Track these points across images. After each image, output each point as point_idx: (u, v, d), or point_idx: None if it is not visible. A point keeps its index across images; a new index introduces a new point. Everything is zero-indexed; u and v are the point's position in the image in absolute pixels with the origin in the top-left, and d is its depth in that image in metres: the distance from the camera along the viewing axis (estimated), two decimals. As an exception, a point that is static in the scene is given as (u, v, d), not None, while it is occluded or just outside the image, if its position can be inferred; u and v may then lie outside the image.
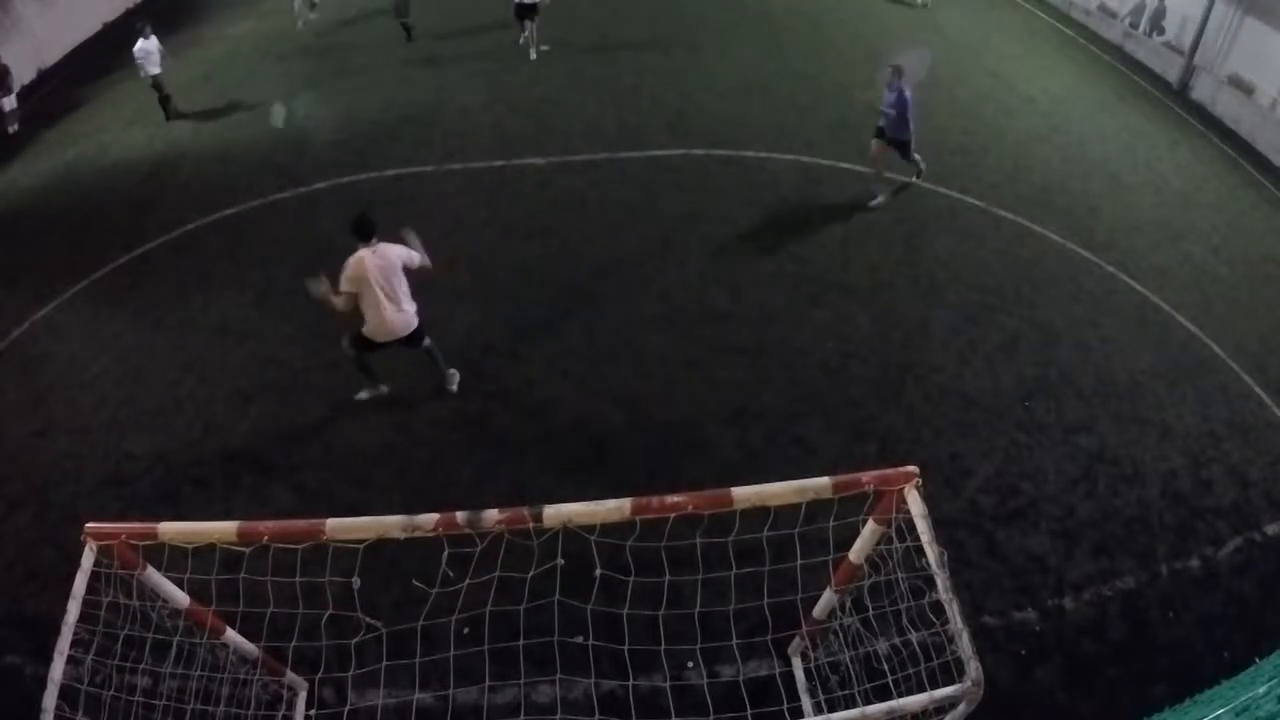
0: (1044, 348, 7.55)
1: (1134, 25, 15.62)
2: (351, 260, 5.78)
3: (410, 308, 6.11)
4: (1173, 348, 7.75)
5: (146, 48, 11.27)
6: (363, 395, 6.71)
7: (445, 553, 2.99)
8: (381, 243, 5.88)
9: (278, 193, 9.71)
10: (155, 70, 11.37)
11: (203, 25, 15.54)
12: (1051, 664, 5.03)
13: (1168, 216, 9.95)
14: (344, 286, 5.80)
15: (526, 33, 12.98)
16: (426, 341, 6.42)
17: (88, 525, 2.96)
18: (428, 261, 6.09)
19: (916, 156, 9.50)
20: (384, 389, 6.71)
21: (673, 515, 2.88)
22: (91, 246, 8.94)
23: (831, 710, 4.07)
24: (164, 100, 11.64)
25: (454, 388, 6.79)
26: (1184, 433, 6.81)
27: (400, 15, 13.63)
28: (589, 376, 7.06)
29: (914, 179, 9.78)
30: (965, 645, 2.70)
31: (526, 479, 6.10)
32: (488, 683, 3.78)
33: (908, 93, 8.73)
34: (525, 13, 12.68)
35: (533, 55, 12.98)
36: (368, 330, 6.05)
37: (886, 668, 3.58)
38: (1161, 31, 15.21)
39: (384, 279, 5.85)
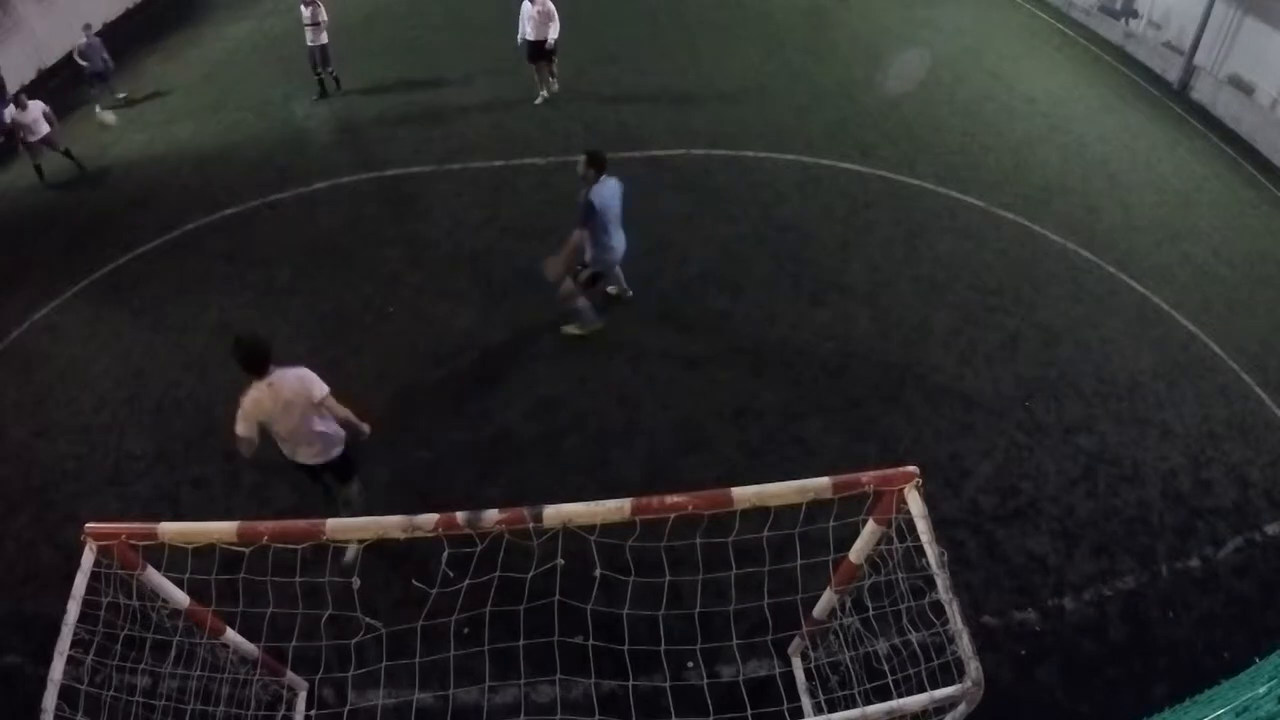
0: (1044, 348, 7.55)
1: (1107, 11, 15.71)
2: (246, 398, 4.56)
3: (319, 439, 4.85)
4: (1173, 348, 7.75)
5: (22, 118, 10.00)
6: (348, 558, 5.08)
7: (445, 553, 2.99)
8: (278, 371, 4.60)
9: (278, 193, 9.71)
10: (44, 131, 10.21)
11: (203, 25, 15.53)
12: (1051, 664, 5.04)
13: (1168, 216, 9.94)
14: (240, 430, 4.59)
15: (543, 87, 11.56)
16: (353, 487, 5.21)
17: (88, 525, 2.96)
18: (337, 409, 4.80)
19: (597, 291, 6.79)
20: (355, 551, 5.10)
21: (673, 515, 2.88)
22: (91, 246, 8.94)
23: (831, 710, 4.07)
24: (67, 154, 10.50)
25: (347, 559, 5.05)
26: (1184, 433, 6.81)
27: (319, 69, 11.89)
28: (589, 376, 7.06)
29: (572, 329, 7.12)
30: (965, 645, 2.70)
31: (526, 479, 6.10)
32: (488, 683, 3.79)
33: (594, 199, 6.20)
34: (538, 54, 11.19)
35: (545, 95, 11.57)
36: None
37: (886, 668, 3.58)
38: (1136, 15, 15.24)
39: (285, 414, 4.64)
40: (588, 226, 6.20)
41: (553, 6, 10.74)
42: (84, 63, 12.16)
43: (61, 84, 13.49)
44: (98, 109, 12.02)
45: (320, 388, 4.68)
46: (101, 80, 12.38)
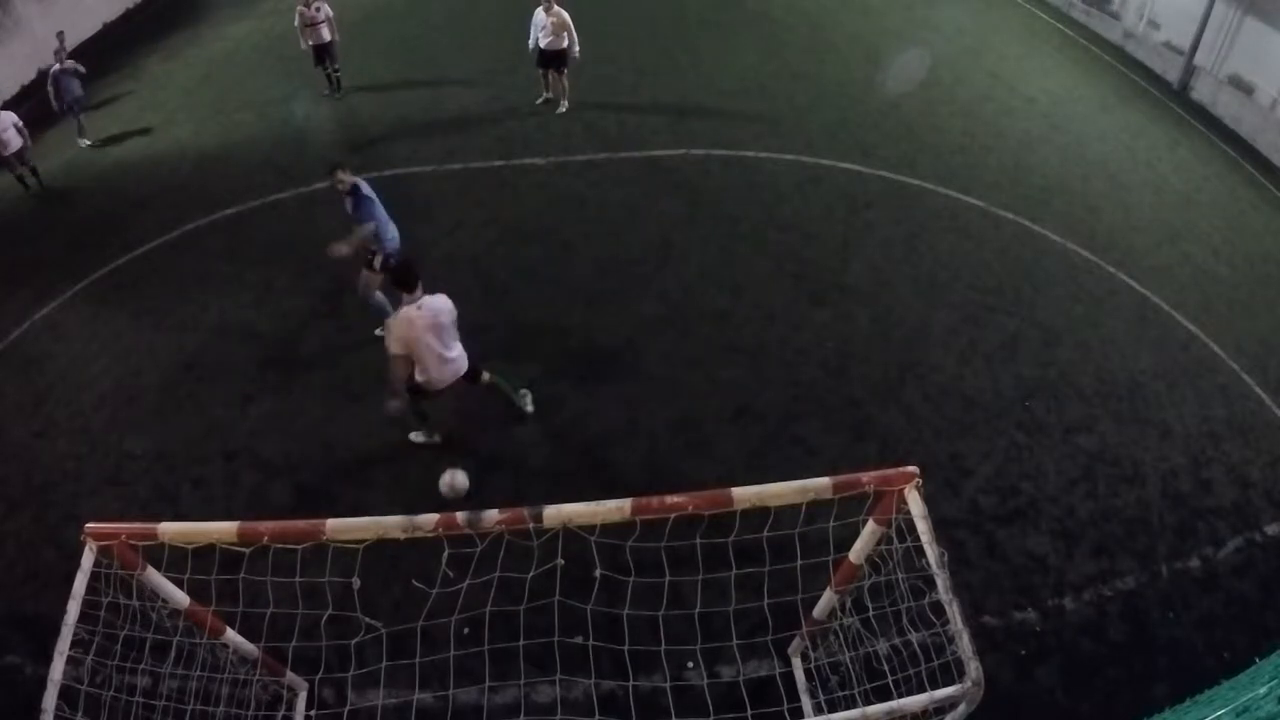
0: (1044, 348, 7.55)
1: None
2: (399, 320, 5.27)
3: (459, 353, 5.68)
4: (1173, 348, 7.76)
5: None
6: (417, 438, 6.33)
7: (445, 553, 2.99)
8: (426, 295, 5.36)
9: (278, 193, 9.70)
10: (16, 146, 9.88)
11: (203, 25, 15.54)
12: (1051, 664, 5.04)
13: (1168, 216, 9.95)
14: (395, 349, 5.29)
15: (550, 91, 11.39)
16: (486, 376, 6.01)
17: (88, 525, 2.96)
18: None
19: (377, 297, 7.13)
20: (438, 438, 6.32)
21: (673, 515, 2.88)
22: (91, 246, 8.94)
23: (831, 710, 4.07)
24: (33, 172, 10.16)
25: (530, 408, 6.53)
26: (1184, 433, 6.81)
27: (320, 63, 11.83)
28: (589, 376, 7.06)
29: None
30: (965, 645, 2.70)
31: (526, 479, 6.10)
32: (488, 683, 3.78)
33: (365, 190, 6.76)
34: (549, 62, 10.99)
35: (547, 95, 11.42)
36: (421, 381, 5.63)
37: (887, 668, 3.58)
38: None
39: (435, 335, 5.38)
40: (374, 216, 6.80)
41: (568, 18, 10.54)
42: (56, 98, 10.99)
43: (61, 84, 13.49)
44: (82, 142, 11.30)
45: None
46: (75, 109, 11.25)
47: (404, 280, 5.31)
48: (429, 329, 5.31)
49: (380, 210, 6.86)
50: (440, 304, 5.39)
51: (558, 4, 10.55)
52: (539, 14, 10.56)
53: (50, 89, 11.04)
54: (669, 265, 8.40)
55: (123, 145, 11.22)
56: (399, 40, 14.13)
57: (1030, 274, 8.52)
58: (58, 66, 11.06)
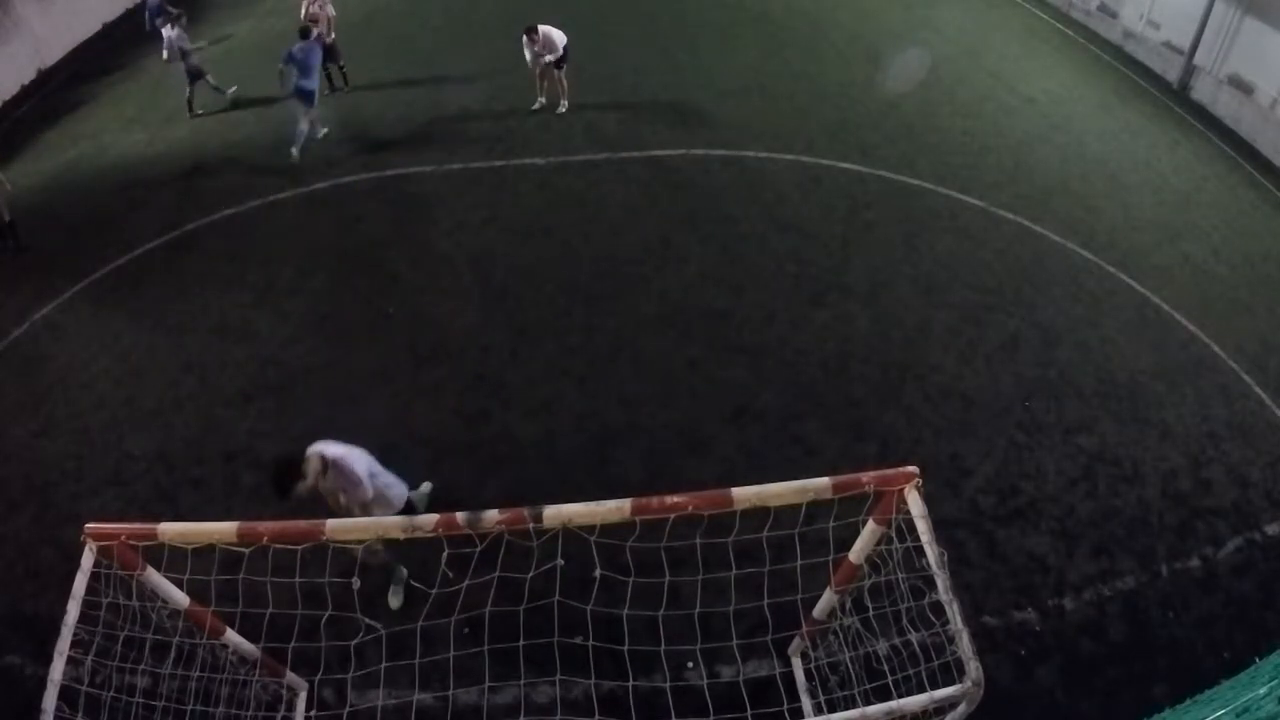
0: (1044, 348, 7.55)
1: None
2: (356, 462, 4.55)
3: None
4: (1173, 348, 7.75)
5: None
6: (396, 598, 5.15)
7: (445, 553, 2.99)
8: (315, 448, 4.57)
9: (278, 193, 9.70)
10: None
11: (202, 25, 15.49)
12: (1051, 664, 5.04)
13: (1168, 216, 9.94)
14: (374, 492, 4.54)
15: (544, 96, 11.26)
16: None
17: (88, 525, 2.96)
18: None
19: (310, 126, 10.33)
20: (404, 571, 5.08)
21: (673, 515, 2.88)
22: (91, 246, 8.93)
23: (831, 710, 4.07)
24: (10, 227, 8.93)
25: (396, 601, 5.12)
26: (1184, 433, 6.81)
27: (325, 64, 11.53)
28: (589, 376, 7.06)
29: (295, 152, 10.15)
30: (965, 645, 2.70)
31: (526, 479, 6.10)
32: (488, 683, 3.79)
33: (293, 50, 9.91)
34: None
35: (543, 100, 11.29)
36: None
37: (886, 668, 3.58)
38: None
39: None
40: (288, 65, 10.04)
41: (554, 34, 10.48)
42: (181, 61, 11.33)
43: (61, 84, 13.51)
44: (190, 114, 11.58)
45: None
46: (197, 77, 11.51)
47: (283, 484, 4.42)
48: (343, 479, 4.51)
49: (295, 65, 9.92)
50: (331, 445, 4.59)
51: (544, 26, 10.48)
52: (525, 42, 10.49)
53: (176, 53, 11.35)
54: (669, 265, 8.40)
55: (123, 145, 11.20)
56: (399, 40, 14.11)
57: (1030, 274, 8.52)
58: (173, 32, 11.31)
